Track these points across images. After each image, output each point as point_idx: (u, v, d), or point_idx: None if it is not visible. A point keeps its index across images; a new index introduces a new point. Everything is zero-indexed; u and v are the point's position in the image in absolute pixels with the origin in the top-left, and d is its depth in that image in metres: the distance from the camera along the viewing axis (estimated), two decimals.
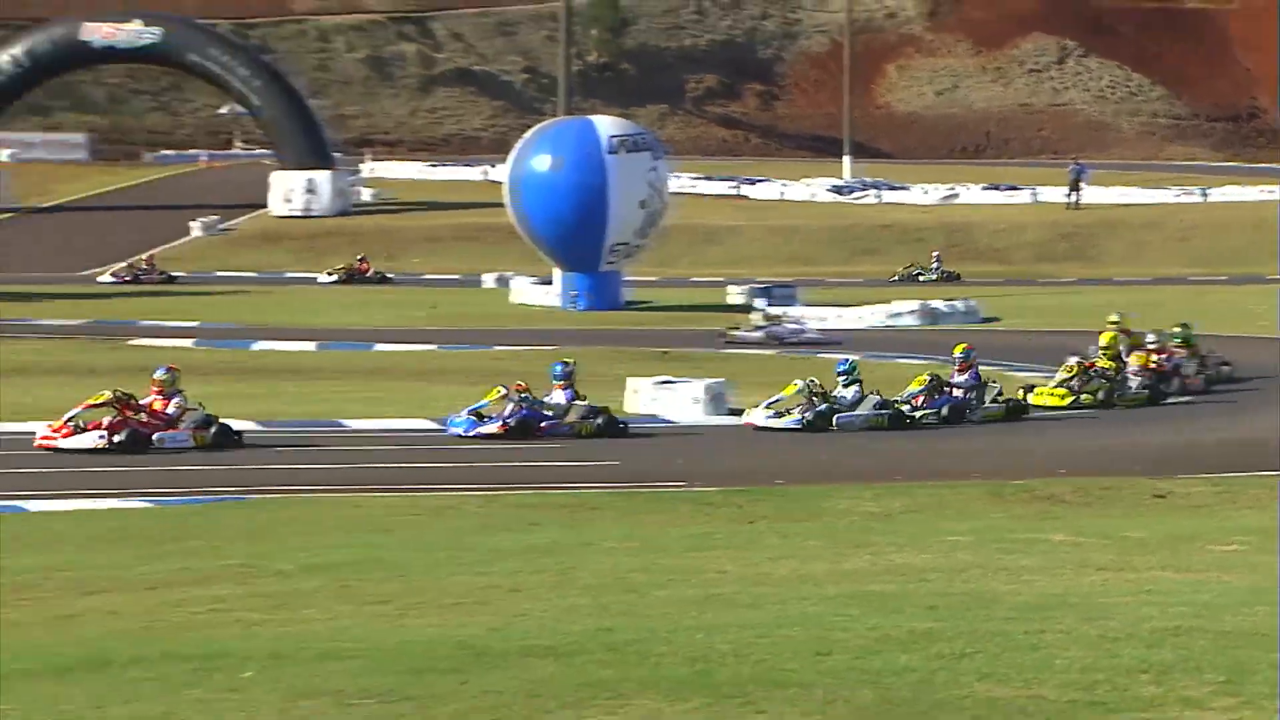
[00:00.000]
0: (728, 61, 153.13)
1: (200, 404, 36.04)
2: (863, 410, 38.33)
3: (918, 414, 38.66)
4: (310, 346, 59.02)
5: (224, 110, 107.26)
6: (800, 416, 37.54)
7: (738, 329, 59.57)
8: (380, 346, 59.32)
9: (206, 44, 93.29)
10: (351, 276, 77.44)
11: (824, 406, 37.94)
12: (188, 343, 58.43)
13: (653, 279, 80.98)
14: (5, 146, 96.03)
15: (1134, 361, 42.82)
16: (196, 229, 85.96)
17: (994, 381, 40.02)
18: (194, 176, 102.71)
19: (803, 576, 23.33)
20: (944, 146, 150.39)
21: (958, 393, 39.19)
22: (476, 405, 36.89)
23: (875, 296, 72.59)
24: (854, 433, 38.08)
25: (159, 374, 35.78)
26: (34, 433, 35.36)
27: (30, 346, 56.79)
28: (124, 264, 76.18)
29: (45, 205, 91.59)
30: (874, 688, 16.56)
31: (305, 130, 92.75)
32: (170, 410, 34.93)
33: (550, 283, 73.24)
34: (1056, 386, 41.12)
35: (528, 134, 75.58)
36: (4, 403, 40.63)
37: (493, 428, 36.28)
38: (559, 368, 38.37)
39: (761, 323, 58.98)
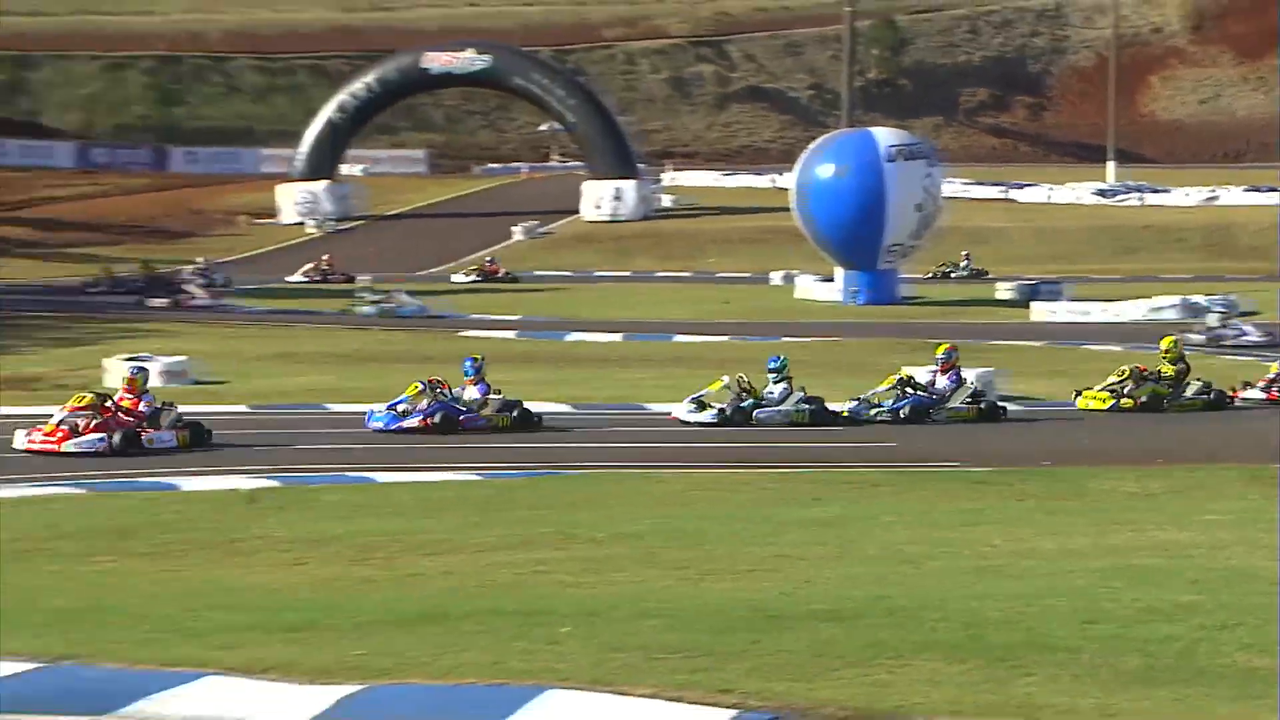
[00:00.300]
0: (999, 76, 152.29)
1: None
2: (786, 405, 36.31)
3: (871, 410, 36.31)
4: (617, 337, 59.18)
5: (543, 127, 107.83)
6: (718, 410, 35.62)
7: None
8: (679, 338, 59.42)
9: (529, 69, 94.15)
10: (486, 277, 77.44)
11: (748, 401, 35.94)
12: (510, 334, 58.96)
13: (925, 276, 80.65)
14: (358, 162, 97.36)
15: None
16: (518, 233, 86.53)
17: (971, 382, 37.28)
18: (517, 186, 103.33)
19: (1069, 551, 23.10)
20: (1206, 153, 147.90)
21: (934, 395, 36.66)
22: (395, 401, 34.79)
23: (1135, 292, 71.49)
24: (871, 424, 36.49)
25: (130, 372, 33.52)
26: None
27: (375, 336, 57.32)
28: (473, 262, 76.84)
29: (391, 213, 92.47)
30: (1139, 655, 16.49)
31: (614, 144, 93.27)
32: (143, 408, 32.28)
33: (832, 280, 72.84)
34: (1101, 390, 38.59)
35: (813, 144, 75.14)
36: (356, 387, 41.05)
37: (414, 422, 34.41)
38: (469, 363, 36.03)
39: (1213, 327, 55.57)
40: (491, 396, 35.28)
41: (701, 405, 35.76)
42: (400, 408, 34.67)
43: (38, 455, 30.50)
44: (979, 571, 21.21)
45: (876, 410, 36.17)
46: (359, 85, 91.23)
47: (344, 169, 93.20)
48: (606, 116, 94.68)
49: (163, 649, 16.71)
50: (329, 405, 38.74)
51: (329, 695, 14.88)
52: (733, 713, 14.20)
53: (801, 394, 36.49)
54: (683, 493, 29.03)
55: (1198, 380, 39.33)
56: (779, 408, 36.21)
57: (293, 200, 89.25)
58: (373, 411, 35.20)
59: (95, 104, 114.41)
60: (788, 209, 71.46)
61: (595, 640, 16.77)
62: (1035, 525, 25.35)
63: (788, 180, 75.22)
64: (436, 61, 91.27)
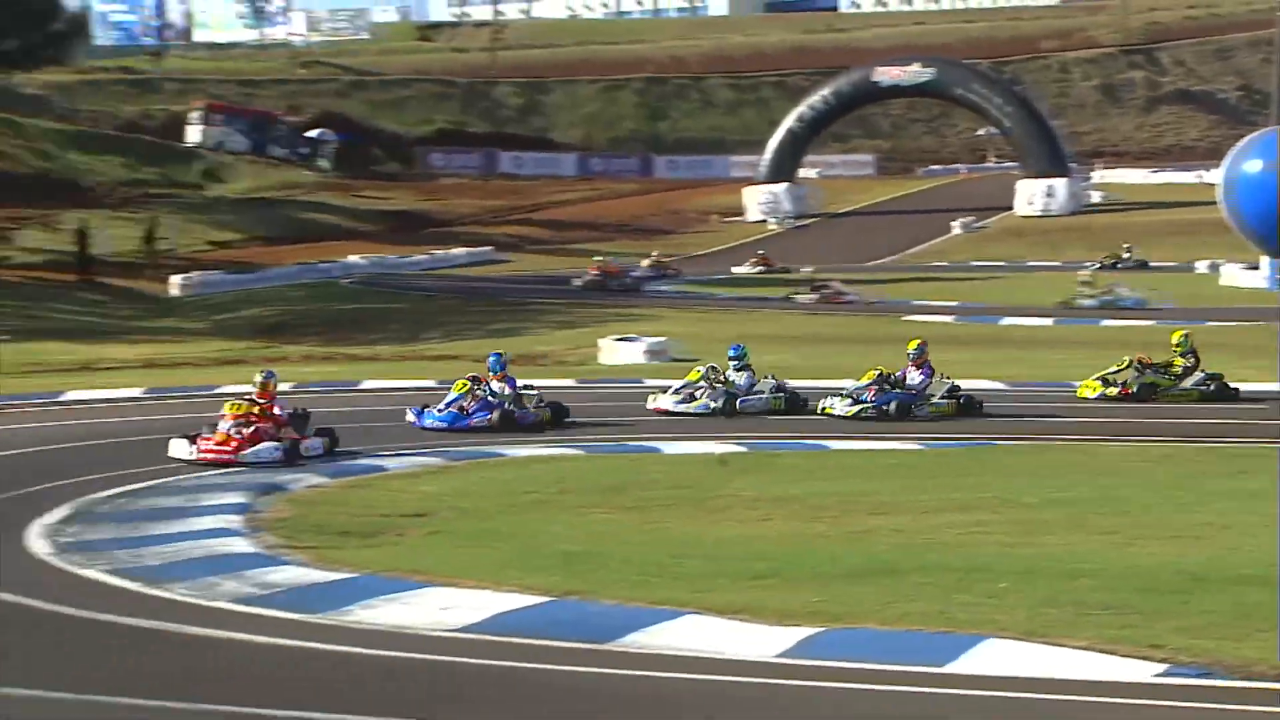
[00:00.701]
0: None
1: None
2: (761, 394, 33.23)
3: (855, 408, 31.88)
4: (1047, 322, 58.10)
5: (981, 132, 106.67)
6: (706, 402, 32.35)
7: None
8: (1106, 322, 57.56)
9: (970, 79, 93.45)
10: (770, 269, 74.28)
11: (726, 391, 32.76)
12: (949, 318, 58.30)
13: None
14: (814, 166, 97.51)
15: None
16: (956, 228, 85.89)
17: (946, 377, 33.61)
18: (955, 186, 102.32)
19: None
20: None
21: (911, 390, 32.63)
22: (452, 399, 30.55)
23: None
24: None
25: (262, 376, 28.08)
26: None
27: (830, 320, 56.99)
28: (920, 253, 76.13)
29: (841, 211, 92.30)
30: None
31: (1046, 145, 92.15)
32: (277, 411, 27.38)
33: (1257, 268, 70.34)
34: (1096, 379, 35.70)
35: (1240, 142, 70.12)
36: (810, 365, 40.95)
37: (480, 421, 30.26)
38: (494, 359, 31.87)
39: None
40: (524, 391, 31.40)
41: (691, 397, 32.57)
42: (460, 405, 30.53)
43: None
44: None
45: (862, 407, 32.00)
46: (816, 98, 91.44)
47: (801, 172, 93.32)
48: (1040, 120, 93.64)
49: (650, 590, 17.11)
50: (788, 381, 38.68)
51: (791, 635, 15.05)
52: (1163, 667, 14.04)
53: (773, 380, 33.76)
54: (1112, 463, 28.37)
55: (1201, 372, 36.38)
56: (755, 396, 33.24)
57: (757, 200, 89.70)
58: (423, 410, 30.88)
59: (594, 121, 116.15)
60: (1213, 202, 69.30)
61: (1031, 596, 16.68)
62: None
63: (1214, 175, 73.11)
64: (886, 75, 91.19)
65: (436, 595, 17.00)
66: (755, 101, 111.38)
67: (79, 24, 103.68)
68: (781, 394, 33.50)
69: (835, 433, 31.29)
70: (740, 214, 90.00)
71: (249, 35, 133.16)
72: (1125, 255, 77.22)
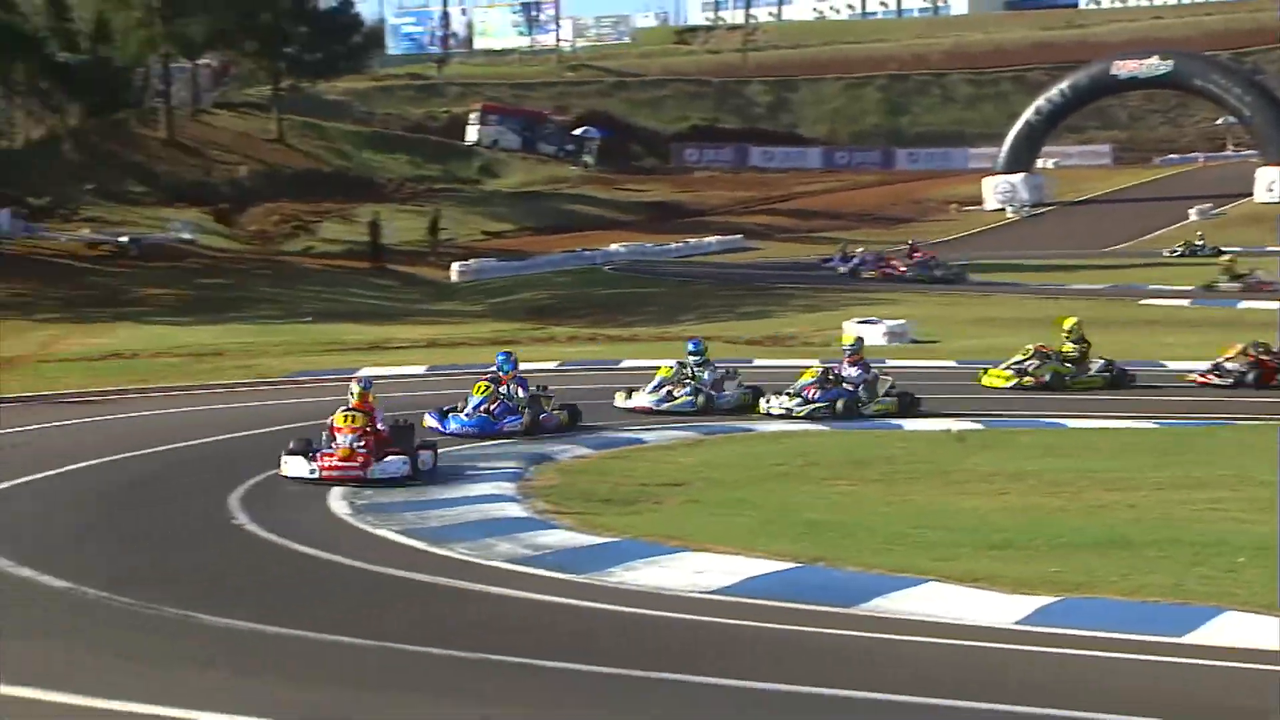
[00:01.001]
0: None
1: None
2: (729, 391, 30.52)
3: (806, 408, 29.36)
4: (1184, 303, 55.96)
5: (1220, 121, 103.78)
6: (691, 399, 29.85)
7: None
8: (1242, 304, 54.52)
9: (1209, 70, 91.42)
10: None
11: (694, 388, 30.14)
12: (1184, 302, 56.67)
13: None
14: (1050, 157, 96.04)
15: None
16: (1193, 214, 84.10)
17: (885, 374, 31.49)
18: (1192, 174, 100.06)
19: None
20: None
21: (848, 385, 30.09)
22: (479, 402, 27.16)
23: None
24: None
25: (360, 386, 24.46)
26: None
27: (1071, 305, 55.90)
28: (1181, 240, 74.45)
29: (1076, 200, 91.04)
30: None
31: None
32: (380, 427, 23.56)
33: None
34: (1005, 368, 33.90)
35: None
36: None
37: (515, 426, 26.91)
38: (503, 358, 28.72)
39: None
40: (542, 394, 28.11)
41: (669, 395, 29.93)
42: (486, 409, 27.42)
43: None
44: None
45: (813, 408, 29.42)
46: (1054, 92, 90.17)
47: (1038, 163, 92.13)
48: None
49: (892, 558, 17.04)
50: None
51: (1029, 604, 14.91)
52: None
53: (734, 375, 31.10)
54: None
55: (1099, 359, 34.84)
56: (725, 394, 30.48)
57: (994, 190, 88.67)
58: (445, 415, 27.39)
59: (838, 116, 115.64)
60: None
61: (1270, 571, 16.28)
62: None
63: None
64: (1124, 68, 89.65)
65: (691, 559, 17.07)
66: (994, 96, 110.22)
67: (374, 37, 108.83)
68: (748, 389, 30.79)
69: (1072, 412, 30.97)
70: (978, 203, 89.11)
71: (522, 42, 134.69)
72: (1199, 243, 72.83)
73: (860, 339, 33.19)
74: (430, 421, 27.06)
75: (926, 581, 15.85)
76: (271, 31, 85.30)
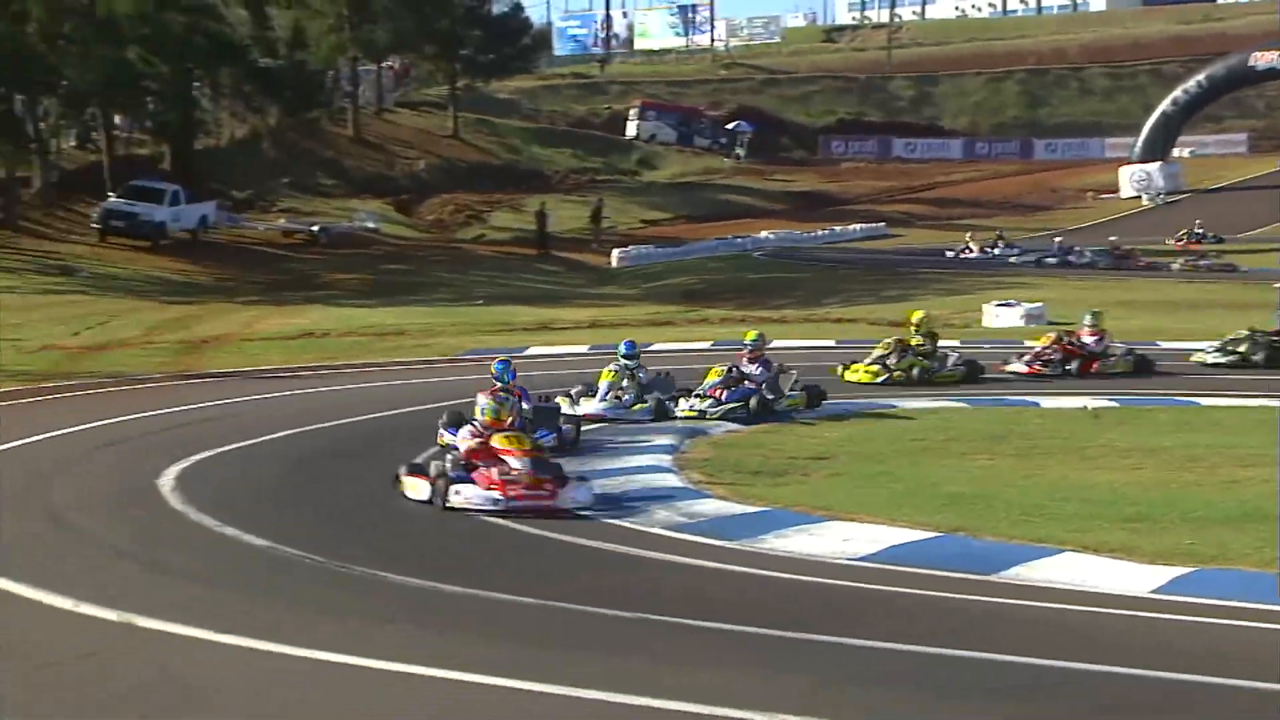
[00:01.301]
0: None
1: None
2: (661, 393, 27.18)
3: (720, 409, 26.66)
4: None
5: None
6: (648, 407, 26.67)
7: None
8: None
9: None
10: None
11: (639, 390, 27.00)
12: None
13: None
14: (1185, 146, 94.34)
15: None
16: None
17: (789, 369, 28.84)
18: None
19: None
20: None
21: (750, 384, 27.36)
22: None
23: None
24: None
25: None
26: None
27: (1199, 287, 54.98)
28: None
29: (1210, 188, 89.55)
30: None
31: None
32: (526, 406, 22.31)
33: None
34: (870, 364, 31.47)
35: None
36: (1180, 328, 40.09)
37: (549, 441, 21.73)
38: (501, 366, 23.51)
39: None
40: (540, 405, 24.22)
41: (619, 399, 26.81)
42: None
43: None
44: None
45: (726, 409, 26.74)
46: (1191, 83, 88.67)
47: (1174, 152, 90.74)
48: None
49: (1030, 529, 16.96)
50: (1160, 343, 37.77)
51: (1164, 574, 14.80)
52: None
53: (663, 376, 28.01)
54: None
55: (953, 352, 33.24)
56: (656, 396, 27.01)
57: (1130, 178, 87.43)
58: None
59: (979, 109, 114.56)
60: None
61: None
62: None
63: None
64: (1263, 59, 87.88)
65: (838, 528, 17.07)
66: (1131, 88, 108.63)
67: (542, 39, 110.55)
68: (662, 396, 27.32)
69: (1203, 389, 30.69)
70: (1114, 191, 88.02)
71: (678, 42, 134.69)
72: (1198, 232, 69.39)
73: (761, 335, 29.93)
74: (446, 437, 22.37)
75: (1063, 551, 15.77)
76: (448, 36, 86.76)
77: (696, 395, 27.13)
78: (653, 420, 26.42)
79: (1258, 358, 33.85)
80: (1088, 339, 34.03)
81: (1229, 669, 11.99)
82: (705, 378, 27.50)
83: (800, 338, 39.47)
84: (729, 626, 12.87)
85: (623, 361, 27.39)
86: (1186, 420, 27.35)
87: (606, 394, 26.95)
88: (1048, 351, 33.50)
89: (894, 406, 28.38)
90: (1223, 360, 34.28)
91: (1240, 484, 20.46)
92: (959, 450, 23.44)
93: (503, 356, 24.75)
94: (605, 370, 27.35)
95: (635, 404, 26.73)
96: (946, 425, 26.19)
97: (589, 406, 26.65)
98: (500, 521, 17.70)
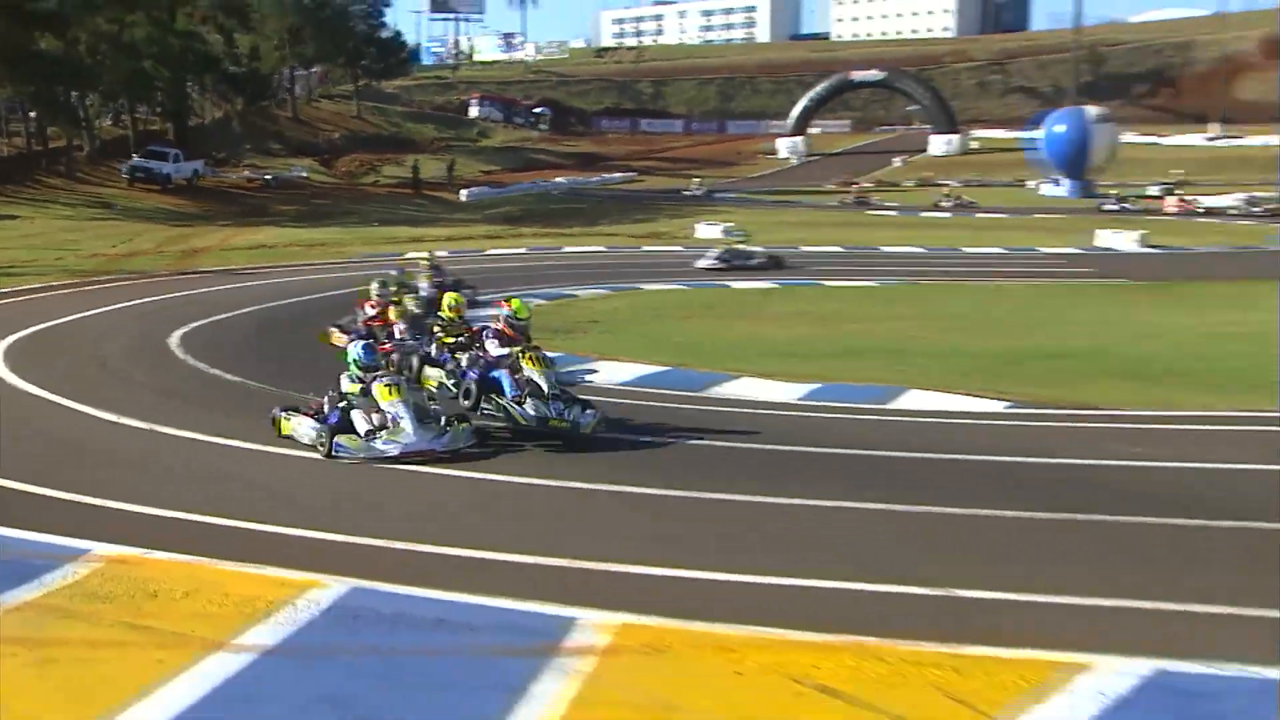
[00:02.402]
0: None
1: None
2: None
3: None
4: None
5: (911, 108, 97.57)
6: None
7: None
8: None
9: (904, 79, 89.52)
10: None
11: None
12: (896, 210, 54.96)
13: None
14: (816, 126, 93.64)
15: None
16: (896, 161, 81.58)
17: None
18: (896, 138, 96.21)
19: (1183, 325, 21.55)
20: None
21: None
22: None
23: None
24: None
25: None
26: None
27: (850, 215, 55.63)
28: None
29: (832, 152, 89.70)
30: (1216, 374, 15.70)
31: (945, 115, 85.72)
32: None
33: (1058, 183, 61.30)
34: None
35: (1052, 113, 63.37)
36: (814, 238, 40.40)
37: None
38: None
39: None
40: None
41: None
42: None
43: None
44: (1137, 335, 20.30)
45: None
46: (818, 89, 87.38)
47: (810, 130, 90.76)
48: (944, 103, 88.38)
49: (723, 363, 17.09)
50: (800, 246, 38.06)
51: (806, 389, 15.05)
52: (1004, 405, 13.98)
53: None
54: (999, 294, 27.36)
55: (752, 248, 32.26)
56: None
57: (785, 146, 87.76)
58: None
59: (693, 102, 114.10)
60: (1034, 148, 65.87)
61: (935, 366, 16.57)
62: (1163, 310, 23.69)
63: (1037, 133, 62.70)
64: (858, 75, 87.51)
65: (608, 365, 17.08)
66: (784, 91, 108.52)
67: (414, 53, 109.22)
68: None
69: (829, 276, 30.66)
70: (774, 153, 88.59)
71: (503, 56, 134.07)
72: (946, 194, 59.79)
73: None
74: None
75: (742, 377, 15.91)
76: (354, 52, 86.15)
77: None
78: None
79: (739, 263, 31.49)
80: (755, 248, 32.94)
81: (839, 441, 12.28)
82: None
83: (583, 245, 39.43)
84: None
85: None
86: (819, 294, 27.51)
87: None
88: (728, 252, 32.32)
89: (640, 288, 28.12)
90: (719, 266, 31.41)
91: (850, 333, 20.80)
92: (682, 315, 23.44)
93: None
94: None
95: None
96: (678, 300, 26.07)
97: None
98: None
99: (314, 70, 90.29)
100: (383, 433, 11.14)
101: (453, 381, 13.93)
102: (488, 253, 36.54)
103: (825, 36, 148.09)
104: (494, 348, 13.11)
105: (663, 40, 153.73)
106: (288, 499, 10.35)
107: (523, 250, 38.09)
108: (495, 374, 12.46)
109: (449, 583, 7.74)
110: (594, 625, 6.75)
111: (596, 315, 23.36)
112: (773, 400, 14.55)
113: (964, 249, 37.45)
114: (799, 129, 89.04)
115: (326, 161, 73.65)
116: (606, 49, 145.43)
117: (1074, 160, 58.05)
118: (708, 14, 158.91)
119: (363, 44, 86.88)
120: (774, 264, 32.07)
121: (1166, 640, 7.01)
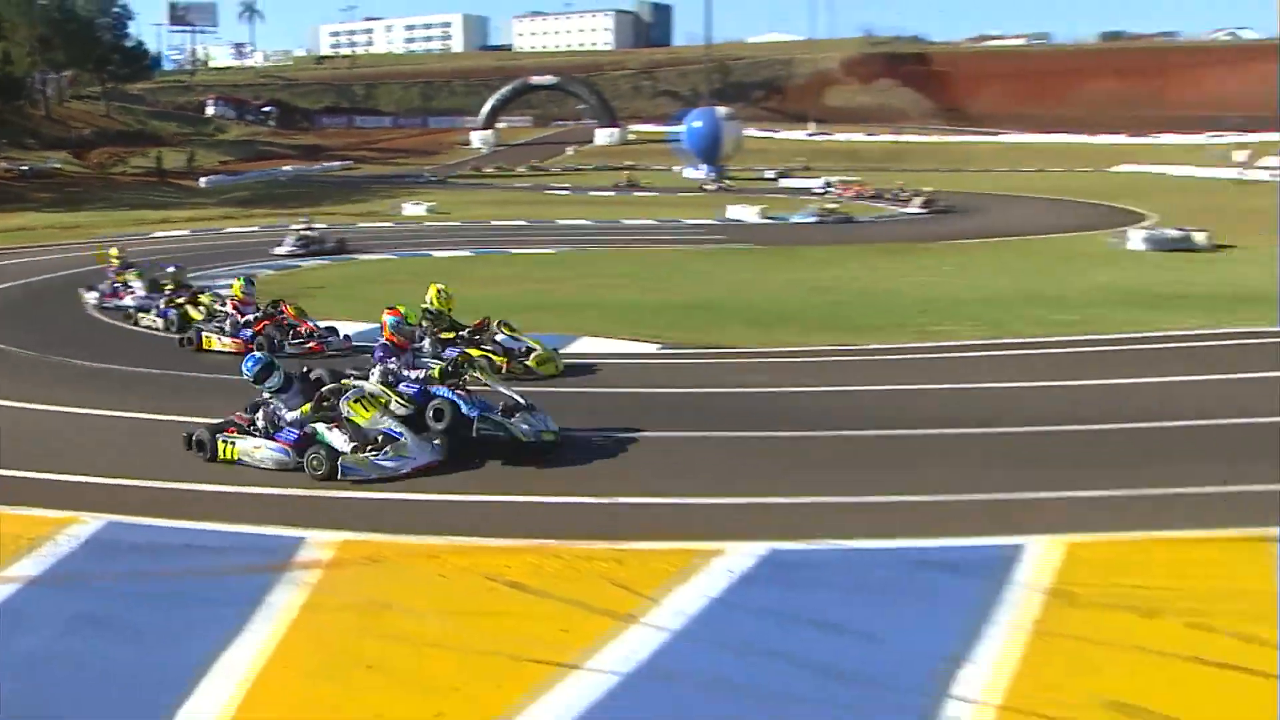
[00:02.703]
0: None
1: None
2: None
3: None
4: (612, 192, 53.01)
5: (581, 106, 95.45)
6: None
7: None
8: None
9: (574, 84, 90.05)
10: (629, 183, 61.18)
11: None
12: (566, 192, 53.81)
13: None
14: (502, 120, 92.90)
15: None
16: (569, 150, 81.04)
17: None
18: (568, 131, 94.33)
19: (794, 279, 22.09)
20: None
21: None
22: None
23: None
24: None
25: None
26: None
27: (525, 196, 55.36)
28: None
29: (516, 143, 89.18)
30: (817, 317, 16.43)
31: (609, 114, 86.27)
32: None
33: (699, 168, 57.78)
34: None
35: (691, 111, 62.32)
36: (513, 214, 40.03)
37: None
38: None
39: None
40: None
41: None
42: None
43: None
44: (759, 289, 20.62)
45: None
46: (503, 90, 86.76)
47: (498, 124, 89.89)
48: (606, 102, 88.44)
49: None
50: (493, 220, 36.90)
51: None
52: (659, 345, 14.19)
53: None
54: (658, 258, 27.06)
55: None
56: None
57: (477, 138, 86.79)
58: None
59: (400, 102, 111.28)
60: (678, 140, 67.03)
61: (598, 316, 16.58)
62: (778, 269, 24.18)
63: (679, 128, 61.42)
64: (535, 80, 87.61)
65: (341, 324, 16.36)
66: (476, 93, 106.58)
67: (156, 60, 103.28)
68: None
69: (509, 245, 29.86)
70: (469, 144, 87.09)
71: (234, 63, 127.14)
72: (628, 180, 55.92)
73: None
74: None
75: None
76: (102, 59, 79.77)
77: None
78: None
79: (315, 248, 27.35)
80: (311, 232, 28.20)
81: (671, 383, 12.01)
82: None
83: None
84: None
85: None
86: (508, 260, 26.61)
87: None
88: (302, 239, 27.54)
89: (357, 258, 26.94)
90: (298, 250, 27.11)
91: (532, 290, 20.25)
92: (390, 280, 22.48)
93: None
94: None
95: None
96: (384, 270, 24.96)
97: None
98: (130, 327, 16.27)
99: (66, 74, 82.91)
100: (388, 449, 8.74)
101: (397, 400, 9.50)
102: (225, 230, 34.52)
103: (509, 48, 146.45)
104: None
105: (373, 50, 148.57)
106: (48, 448, 9.61)
107: (254, 228, 36.11)
108: (439, 391, 9.44)
109: (194, 514, 7.49)
110: (320, 543, 6.69)
111: (320, 281, 22.22)
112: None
113: (624, 220, 37.82)
114: (488, 124, 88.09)
115: (79, 154, 67.71)
116: (325, 57, 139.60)
117: (709, 150, 59.47)
118: (410, 28, 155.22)
119: (109, 52, 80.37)
120: (339, 248, 27.64)
121: (779, 527, 7.32)
